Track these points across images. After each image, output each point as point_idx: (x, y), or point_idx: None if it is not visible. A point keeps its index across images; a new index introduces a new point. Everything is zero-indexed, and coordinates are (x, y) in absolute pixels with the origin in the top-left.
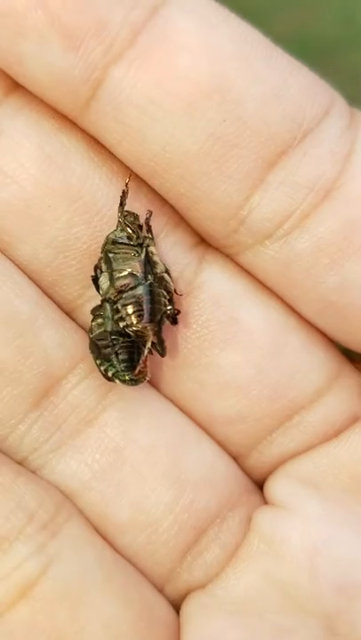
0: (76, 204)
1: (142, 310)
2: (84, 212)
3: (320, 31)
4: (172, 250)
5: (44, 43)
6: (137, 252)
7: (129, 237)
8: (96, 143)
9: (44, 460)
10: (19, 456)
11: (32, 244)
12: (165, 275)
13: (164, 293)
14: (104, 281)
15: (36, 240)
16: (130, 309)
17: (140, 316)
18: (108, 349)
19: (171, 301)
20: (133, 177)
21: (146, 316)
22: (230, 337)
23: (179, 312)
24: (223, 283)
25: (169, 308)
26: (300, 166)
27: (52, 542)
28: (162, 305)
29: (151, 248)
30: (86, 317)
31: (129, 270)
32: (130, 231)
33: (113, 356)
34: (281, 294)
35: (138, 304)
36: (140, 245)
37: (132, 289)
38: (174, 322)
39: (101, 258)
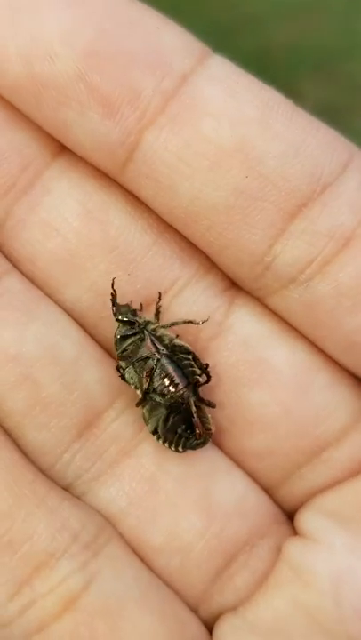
0: (114, 253)
1: (174, 378)
2: (120, 259)
3: (319, 41)
4: (203, 293)
5: (85, 111)
6: (142, 337)
7: (131, 328)
8: (133, 198)
9: (87, 487)
10: (64, 482)
11: (75, 288)
12: (176, 340)
13: (185, 356)
14: (131, 375)
15: (78, 285)
16: (165, 382)
17: (175, 385)
18: (168, 429)
19: (195, 359)
20: (168, 227)
21: (178, 381)
22: (258, 376)
23: (207, 365)
24: (252, 325)
25: (192, 365)
26: (320, 217)
27: (93, 561)
28: (188, 366)
29: (151, 326)
30: None
31: (144, 354)
32: (127, 323)
33: (175, 433)
34: (307, 335)
35: (167, 376)
36: (143, 330)
37: (155, 368)
38: (207, 378)
39: (119, 358)
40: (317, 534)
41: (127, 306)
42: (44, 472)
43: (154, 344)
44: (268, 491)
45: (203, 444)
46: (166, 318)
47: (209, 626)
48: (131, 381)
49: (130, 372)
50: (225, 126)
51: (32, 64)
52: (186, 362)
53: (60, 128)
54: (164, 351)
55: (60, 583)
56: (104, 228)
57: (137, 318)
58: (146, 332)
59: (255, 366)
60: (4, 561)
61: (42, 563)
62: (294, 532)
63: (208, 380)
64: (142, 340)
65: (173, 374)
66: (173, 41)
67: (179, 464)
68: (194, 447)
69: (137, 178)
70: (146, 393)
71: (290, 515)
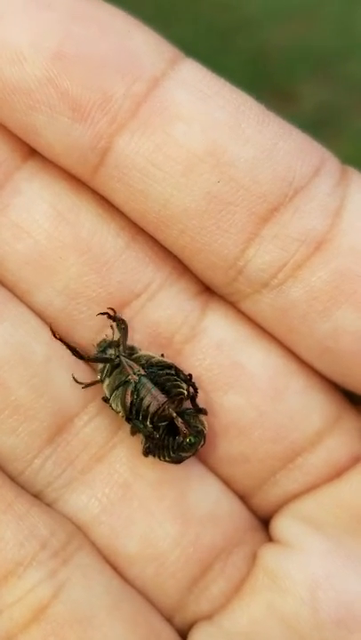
0: (86, 256)
1: (154, 396)
2: (93, 262)
3: (316, 42)
4: (176, 297)
5: (55, 115)
6: (119, 364)
7: (109, 364)
8: (105, 201)
9: (58, 494)
10: (34, 490)
11: (46, 291)
12: (154, 358)
13: (166, 371)
14: (117, 403)
15: (49, 288)
16: (146, 403)
17: (156, 402)
18: (160, 443)
19: (178, 372)
20: (140, 231)
21: (159, 398)
22: (233, 380)
23: (191, 376)
24: (226, 328)
25: (175, 379)
26: (292, 221)
27: (63, 569)
28: (169, 381)
29: (123, 359)
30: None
31: (122, 379)
32: (101, 361)
33: (165, 445)
34: (281, 340)
35: (147, 395)
36: (117, 357)
37: (134, 390)
38: (194, 390)
39: (105, 391)
40: (293, 540)
41: (103, 340)
42: (13, 478)
43: (130, 367)
44: (242, 497)
45: (194, 444)
46: (140, 321)
47: (184, 634)
48: (117, 410)
49: (115, 402)
50: (196, 130)
51: (1, 68)
52: (166, 377)
53: (30, 132)
54: (141, 371)
55: (27, 592)
56: (75, 230)
57: (110, 351)
58: (121, 359)
59: (229, 370)
60: None
61: (9, 571)
62: (269, 538)
63: (195, 392)
64: (119, 366)
65: (153, 391)
66: (144, 44)
67: (153, 469)
68: (186, 449)
69: (108, 182)
70: (129, 419)
71: (265, 521)
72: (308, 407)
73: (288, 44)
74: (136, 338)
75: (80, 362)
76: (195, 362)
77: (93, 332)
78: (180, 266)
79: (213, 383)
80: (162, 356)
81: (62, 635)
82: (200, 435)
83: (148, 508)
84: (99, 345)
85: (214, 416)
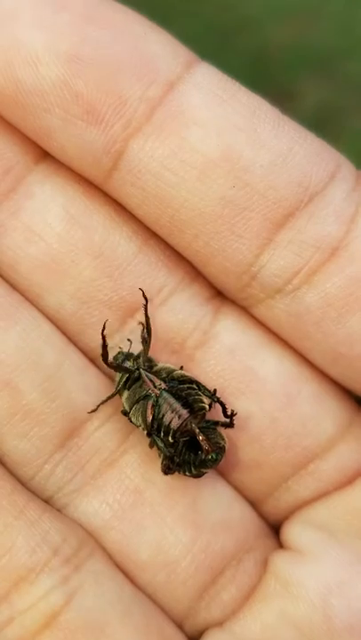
0: (98, 260)
1: (176, 410)
2: (105, 266)
3: (318, 41)
4: (188, 302)
5: (69, 118)
6: (139, 377)
7: (126, 373)
8: (118, 205)
9: (69, 500)
10: (44, 495)
11: (58, 295)
12: (176, 372)
13: (187, 385)
14: (137, 417)
15: (61, 292)
16: (168, 418)
17: (179, 417)
18: (181, 460)
19: (200, 387)
20: (153, 235)
21: (181, 412)
22: (245, 386)
23: (215, 391)
24: (238, 334)
25: (197, 393)
26: (307, 226)
27: (75, 575)
28: (191, 395)
29: (143, 372)
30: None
31: (143, 394)
32: (121, 370)
33: (185, 461)
34: (294, 345)
35: (169, 409)
36: (137, 370)
37: (155, 405)
38: (219, 403)
39: (123, 404)
40: (305, 547)
41: (120, 353)
42: (24, 483)
43: (151, 381)
44: (253, 503)
45: (216, 460)
46: (151, 326)
47: None
48: (137, 424)
49: (135, 415)
50: (212, 135)
51: (15, 70)
52: (188, 391)
53: (43, 135)
54: (162, 386)
55: (39, 599)
56: (88, 233)
57: (128, 364)
58: (141, 372)
59: (241, 375)
60: None
61: (21, 577)
62: (280, 544)
63: (223, 405)
64: (139, 380)
65: (175, 406)
66: (160, 47)
67: (164, 475)
68: (207, 465)
69: (122, 186)
70: (150, 434)
71: (276, 527)
72: (320, 413)
73: (289, 44)
74: None
75: (91, 367)
76: (207, 367)
77: (105, 335)
78: (192, 270)
79: (225, 389)
80: (181, 368)
81: None
82: (222, 451)
83: (159, 514)
84: (115, 358)
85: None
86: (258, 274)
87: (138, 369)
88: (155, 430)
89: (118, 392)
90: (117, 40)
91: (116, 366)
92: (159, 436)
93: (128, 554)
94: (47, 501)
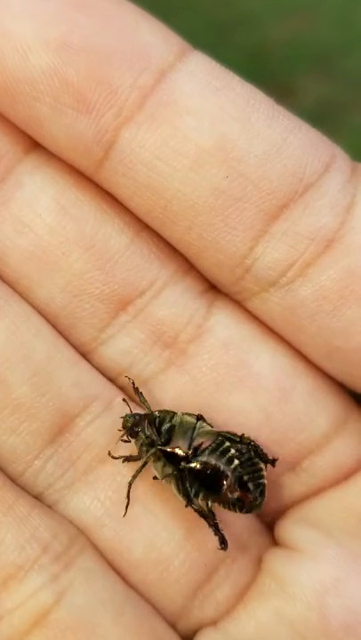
0: (89, 252)
1: (211, 485)
2: (96, 258)
3: (316, 36)
4: (182, 295)
5: (59, 107)
6: (156, 454)
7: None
8: (109, 196)
9: (59, 496)
10: (34, 491)
11: (48, 288)
12: (201, 431)
13: (212, 445)
14: (172, 489)
15: (51, 284)
16: (205, 489)
17: (218, 488)
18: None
19: (226, 437)
20: (145, 227)
21: (219, 482)
22: (239, 380)
23: (242, 435)
24: (232, 328)
25: (228, 447)
26: (302, 218)
27: (65, 573)
28: (223, 454)
29: (160, 451)
30: (100, 360)
31: (167, 473)
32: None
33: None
34: (288, 339)
35: (203, 485)
36: (152, 447)
37: (186, 479)
38: (251, 445)
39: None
40: (300, 544)
41: (127, 417)
42: (14, 479)
43: (176, 456)
44: None
45: (260, 504)
46: (144, 319)
47: None
48: (174, 493)
49: (168, 483)
50: (205, 124)
51: (4, 58)
52: (219, 454)
53: (33, 124)
54: (187, 465)
55: (29, 597)
56: (79, 225)
57: (140, 438)
58: (159, 452)
59: (235, 370)
60: None
61: (9, 575)
62: (275, 542)
63: (260, 451)
64: (158, 457)
65: (209, 480)
66: (151, 36)
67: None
68: (255, 509)
69: (113, 176)
70: (190, 502)
71: (270, 525)
72: (315, 409)
73: (288, 39)
74: (140, 337)
75: (82, 361)
76: (200, 361)
77: (96, 329)
78: (185, 263)
79: (219, 383)
80: (199, 418)
81: None
82: (263, 493)
83: (152, 511)
84: (124, 424)
85: (219, 417)
86: (252, 266)
87: (154, 447)
88: (193, 498)
89: (145, 461)
90: (108, 28)
91: (132, 433)
92: (197, 503)
93: (120, 551)
94: (37, 498)
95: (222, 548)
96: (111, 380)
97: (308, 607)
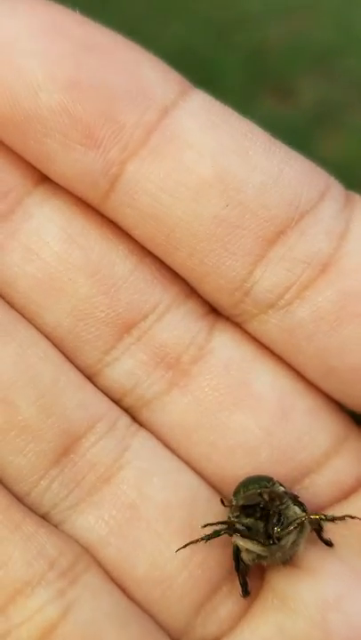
0: (95, 278)
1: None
2: (102, 284)
3: (315, 37)
4: (184, 318)
5: (68, 143)
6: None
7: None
8: (114, 225)
9: (65, 516)
10: (41, 511)
11: (55, 312)
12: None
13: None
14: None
15: (58, 309)
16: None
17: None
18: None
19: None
20: (148, 253)
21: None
22: (240, 400)
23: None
24: (233, 349)
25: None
26: (298, 244)
27: (71, 589)
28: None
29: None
30: (105, 381)
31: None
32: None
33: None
34: (288, 360)
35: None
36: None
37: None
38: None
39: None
40: (303, 561)
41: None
42: (20, 499)
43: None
44: None
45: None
46: (147, 342)
47: None
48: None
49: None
50: (206, 158)
51: (16, 95)
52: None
53: (42, 159)
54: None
55: (36, 612)
56: (85, 252)
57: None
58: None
59: (237, 390)
60: None
61: (17, 591)
62: None
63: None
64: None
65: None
66: (154, 74)
67: (160, 491)
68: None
69: (119, 207)
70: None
71: None
72: (315, 427)
73: (287, 40)
74: (144, 359)
75: (87, 384)
76: (202, 382)
77: (101, 352)
78: (187, 287)
79: (221, 403)
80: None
81: None
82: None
83: (155, 530)
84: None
85: (221, 436)
86: (251, 290)
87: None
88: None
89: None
90: (114, 67)
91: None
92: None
93: (124, 569)
94: (44, 517)
95: (244, 596)
96: (115, 401)
97: (310, 623)
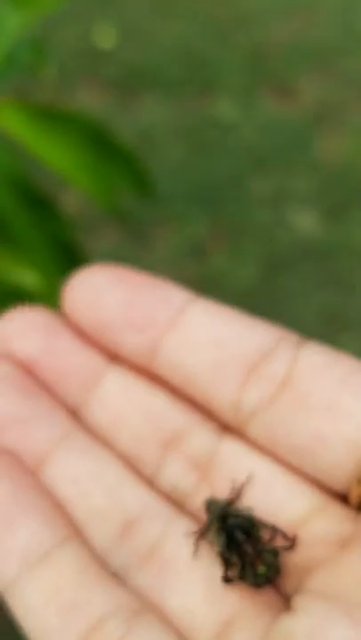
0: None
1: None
2: (150, 419)
3: (316, 37)
4: (206, 435)
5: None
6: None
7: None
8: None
9: (126, 577)
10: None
11: (123, 439)
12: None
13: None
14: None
15: (128, 434)
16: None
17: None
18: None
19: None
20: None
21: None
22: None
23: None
24: (233, 449)
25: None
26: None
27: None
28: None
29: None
30: (159, 485)
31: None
32: None
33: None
34: (272, 450)
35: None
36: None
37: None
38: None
39: None
40: (296, 606)
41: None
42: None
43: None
44: None
45: (264, 575)
46: (182, 453)
47: None
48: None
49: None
50: (208, 329)
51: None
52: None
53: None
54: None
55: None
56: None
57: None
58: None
59: (231, 475)
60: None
61: (95, 624)
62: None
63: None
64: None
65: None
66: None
67: (190, 553)
68: (260, 579)
69: (159, 369)
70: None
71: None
72: (294, 495)
73: (287, 40)
74: (182, 465)
75: (145, 484)
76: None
77: (154, 464)
78: (204, 413)
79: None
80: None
81: None
82: (271, 567)
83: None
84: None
85: None
86: (241, 406)
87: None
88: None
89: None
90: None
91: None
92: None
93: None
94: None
95: (224, 580)
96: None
97: None
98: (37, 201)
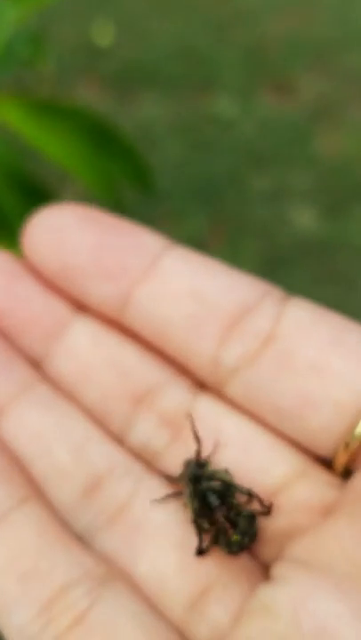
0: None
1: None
2: (118, 372)
3: (314, 33)
4: (178, 391)
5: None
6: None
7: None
8: (126, 331)
9: (91, 538)
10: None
11: (90, 395)
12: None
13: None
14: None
15: (92, 392)
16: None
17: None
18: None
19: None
20: (150, 347)
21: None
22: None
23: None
24: (210, 408)
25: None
26: (248, 327)
27: (100, 588)
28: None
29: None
30: (129, 442)
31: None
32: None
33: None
34: (252, 411)
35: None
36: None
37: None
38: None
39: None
40: (278, 575)
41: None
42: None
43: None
44: None
45: (238, 542)
46: (154, 410)
47: None
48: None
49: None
50: (185, 280)
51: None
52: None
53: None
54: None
55: (71, 606)
56: (109, 351)
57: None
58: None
59: (211, 434)
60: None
61: (59, 590)
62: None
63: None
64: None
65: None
66: (151, 238)
67: (160, 514)
68: (233, 546)
69: (131, 321)
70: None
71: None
72: (274, 458)
73: (286, 36)
74: (154, 422)
75: (112, 442)
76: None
77: (122, 420)
78: (179, 368)
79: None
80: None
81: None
82: (245, 535)
83: (156, 542)
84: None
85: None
86: (220, 363)
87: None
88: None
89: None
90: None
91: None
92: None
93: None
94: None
95: (198, 553)
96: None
97: (286, 622)
98: (37, 193)
